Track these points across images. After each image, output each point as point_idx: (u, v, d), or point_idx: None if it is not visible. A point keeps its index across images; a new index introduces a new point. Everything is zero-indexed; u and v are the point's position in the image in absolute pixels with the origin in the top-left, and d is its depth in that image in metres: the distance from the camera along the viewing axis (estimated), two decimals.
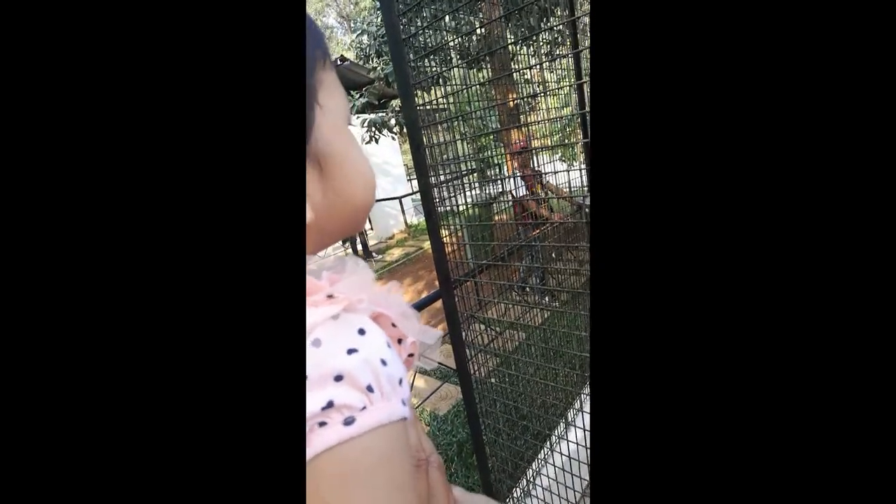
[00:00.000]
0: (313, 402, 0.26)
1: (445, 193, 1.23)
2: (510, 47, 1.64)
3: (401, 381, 0.31)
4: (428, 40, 1.08)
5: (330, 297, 0.30)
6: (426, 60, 1.07)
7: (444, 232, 1.19)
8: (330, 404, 0.27)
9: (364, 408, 0.27)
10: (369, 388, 0.28)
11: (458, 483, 2.14)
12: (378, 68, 5.89)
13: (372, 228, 9.30)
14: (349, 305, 0.31)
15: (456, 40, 1.17)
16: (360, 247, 7.45)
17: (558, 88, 1.74)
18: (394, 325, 0.36)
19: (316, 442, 0.26)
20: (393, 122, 6.42)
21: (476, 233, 1.40)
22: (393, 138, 6.59)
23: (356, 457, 0.27)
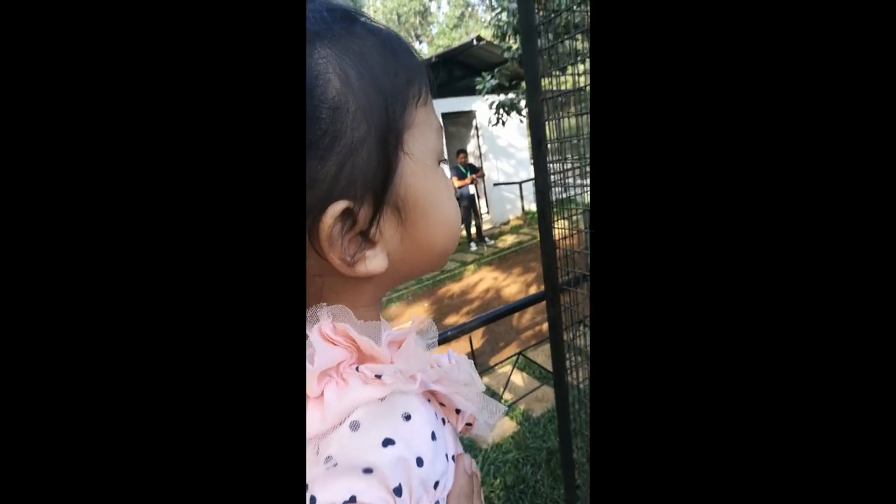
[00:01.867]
0: (336, 491, 0.24)
1: (569, 180, 1.14)
2: None
3: (436, 485, 0.28)
4: (567, 20, 0.99)
5: (378, 377, 0.28)
6: (562, 44, 0.98)
7: (561, 223, 1.10)
8: (353, 500, 0.24)
9: None
10: (397, 491, 0.25)
11: (543, 494, 2.07)
12: (513, 47, 5.73)
13: (488, 212, 9.30)
14: (398, 388, 0.28)
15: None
16: (473, 230, 7.52)
17: None
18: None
19: None
20: (522, 104, 6.24)
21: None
22: (521, 121, 6.41)
23: None
